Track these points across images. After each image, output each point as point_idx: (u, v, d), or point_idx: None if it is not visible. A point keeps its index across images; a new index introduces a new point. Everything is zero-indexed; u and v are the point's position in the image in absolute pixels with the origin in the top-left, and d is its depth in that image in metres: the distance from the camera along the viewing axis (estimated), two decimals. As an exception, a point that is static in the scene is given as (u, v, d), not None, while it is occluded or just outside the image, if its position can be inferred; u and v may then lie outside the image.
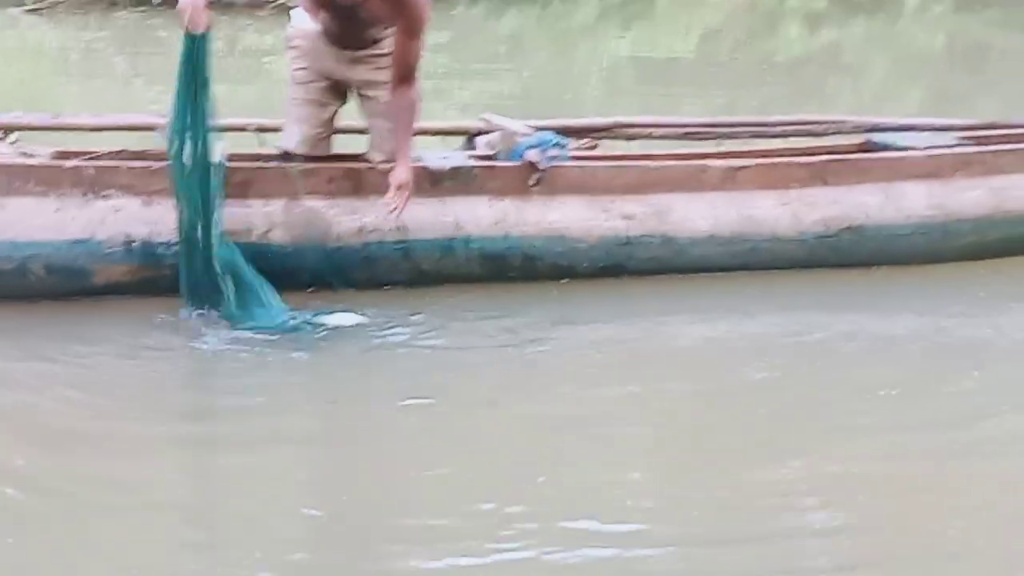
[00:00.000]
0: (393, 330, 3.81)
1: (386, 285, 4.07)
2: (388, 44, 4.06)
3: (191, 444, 3.22)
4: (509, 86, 9.17)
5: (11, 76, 9.54)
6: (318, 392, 3.55)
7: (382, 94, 4.11)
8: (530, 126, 4.50)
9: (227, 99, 8.11)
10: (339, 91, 4.21)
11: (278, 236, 3.94)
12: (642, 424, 3.37)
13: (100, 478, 2.90)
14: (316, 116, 4.21)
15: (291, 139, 4.22)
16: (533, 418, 3.34)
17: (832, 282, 4.47)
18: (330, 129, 4.24)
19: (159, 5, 12.53)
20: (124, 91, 8.99)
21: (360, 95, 4.20)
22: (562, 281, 4.23)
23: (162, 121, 4.64)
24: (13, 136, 4.36)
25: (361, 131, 4.33)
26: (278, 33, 11.93)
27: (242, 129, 4.81)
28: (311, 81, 4.18)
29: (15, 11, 11.98)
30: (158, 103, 7.72)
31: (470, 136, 4.87)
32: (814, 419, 3.43)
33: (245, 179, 3.97)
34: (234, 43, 11.56)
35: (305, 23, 4.15)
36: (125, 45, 10.97)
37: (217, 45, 11.74)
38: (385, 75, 4.03)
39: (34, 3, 12.01)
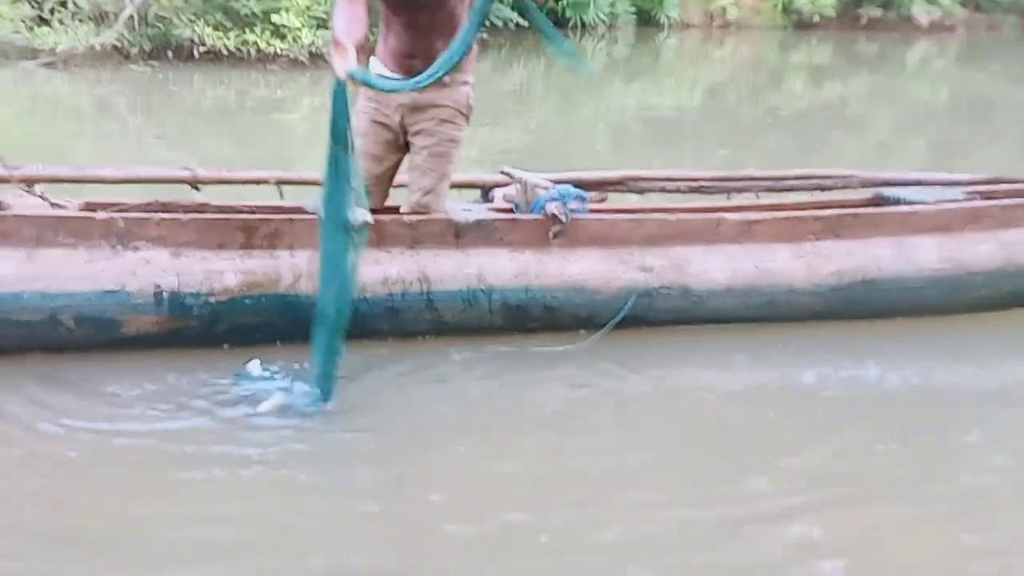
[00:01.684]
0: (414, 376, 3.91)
1: (410, 336, 4.13)
2: (448, 97, 4.19)
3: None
4: (517, 139, 9.27)
5: (26, 129, 9.64)
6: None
7: (428, 144, 4.22)
8: (547, 179, 4.58)
9: (237, 152, 8.29)
10: (397, 144, 4.30)
11: (305, 287, 3.99)
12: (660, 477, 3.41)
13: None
14: (367, 169, 4.29)
15: None
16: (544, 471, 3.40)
17: (845, 333, 4.53)
18: (382, 184, 4.35)
19: (172, 60, 12.69)
20: (137, 144, 9.09)
21: (407, 142, 4.29)
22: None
23: (183, 173, 4.76)
24: (39, 188, 4.41)
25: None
26: (289, 87, 12.18)
27: (264, 182, 4.92)
28: (369, 134, 4.28)
29: (29, 64, 12.08)
30: (173, 156, 7.89)
31: (486, 189, 4.96)
32: (830, 471, 3.47)
33: (273, 231, 4.03)
34: (244, 97, 11.69)
35: (377, 69, 4.26)
36: (138, 99, 11.08)
37: (229, 98, 11.86)
38: (435, 126, 4.15)
39: (48, 57, 12.12)
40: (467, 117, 4.30)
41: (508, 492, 3.23)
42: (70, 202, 4.25)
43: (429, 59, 3.92)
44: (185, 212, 4.10)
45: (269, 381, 3.75)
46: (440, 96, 4.18)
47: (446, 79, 3.96)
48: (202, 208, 4.26)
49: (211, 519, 3.01)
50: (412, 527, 3.12)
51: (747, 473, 3.37)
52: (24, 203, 4.18)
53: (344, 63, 3.63)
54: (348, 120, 3.55)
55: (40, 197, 4.21)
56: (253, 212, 4.21)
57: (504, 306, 4.19)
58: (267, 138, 9.53)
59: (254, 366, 3.81)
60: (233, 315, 3.94)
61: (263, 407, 3.59)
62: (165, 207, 4.17)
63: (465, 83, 4.27)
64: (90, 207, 4.22)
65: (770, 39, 19.40)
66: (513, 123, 10.05)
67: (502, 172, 4.71)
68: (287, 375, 3.78)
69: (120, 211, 4.06)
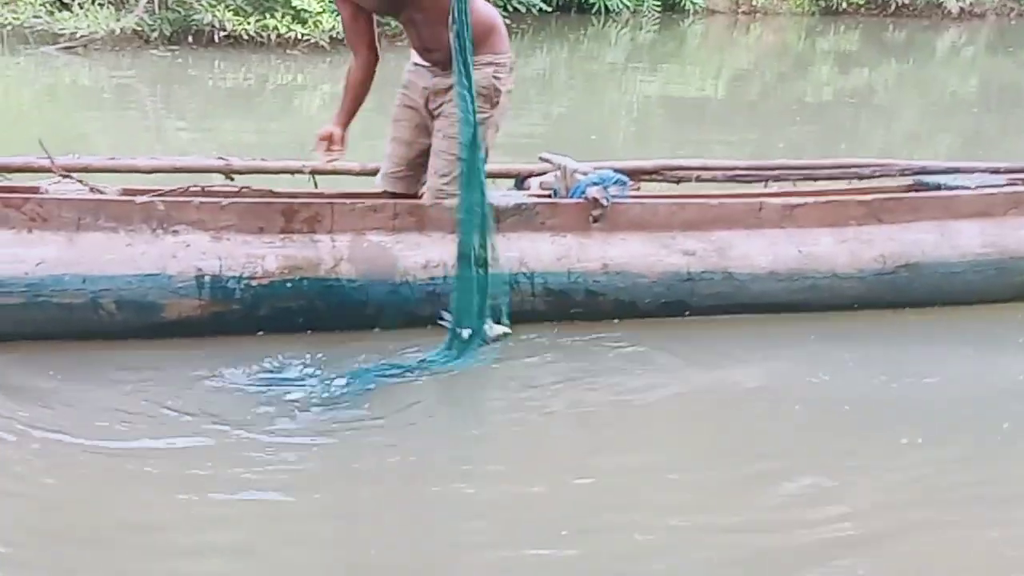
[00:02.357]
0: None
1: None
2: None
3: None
4: (540, 126, 9.21)
5: (46, 114, 9.63)
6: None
7: (443, 127, 4.17)
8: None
9: (257, 138, 8.26)
10: (426, 129, 4.27)
11: (345, 270, 3.96)
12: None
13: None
14: (399, 154, 4.33)
15: (379, 175, 4.40)
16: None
17: (889, 319, 4.49)
18: (415, 169, 4.32)
19: (192, 44, 12.66)
20: (157, 129, 9.07)
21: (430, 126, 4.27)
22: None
23: (217, 163, 4.73)
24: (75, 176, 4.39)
25: None
26: (309, 72, 12.13)
27: (299, 171, 4.88)
28: (401, 119, 4.30)
29: (50, 49, 12.07)
30: (193, 141, 7.86)
31: (521, 178, 4.91)
32: (876, 456, 3.44)
33: (314, 215, 4.01)
34: (264, 82, 11.66)
35: (415, 58, 4.27)
36: (158, 84, 11.05)
37: (249, 83, 11.81)
38: (452, 108, 4.05)
39: (68, 42, 12.11)
40: (490, 99, 4.18)
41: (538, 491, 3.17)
42: (108, 188, 4.23)
43: (445, 48, 3.90)
44: (224, 196, 4.07)
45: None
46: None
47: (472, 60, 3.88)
48: (241, 193, 4.24)
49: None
50: (440, 512, 3.07)
51: (783, 472, 3.32)
52: (63, 188, 4.16)
53: None
54: None
55: (79, 182, 4.18)
56: (294, 197, 4.18)
57: (546, 291, 4.16)
58: (287, 123, 9.51)
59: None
60: (274, 299, 3.91)
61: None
62: (204, 191, 4.14)
63: (490, 64, 4.17)
64: (128, 192, 4.20)
65: (796, 25, 19.26)
66: (535, 110, 9.99)
67: (541, 158, 4.68)
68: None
69: (157, 195, 4.05)
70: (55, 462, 3.16)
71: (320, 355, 3.81)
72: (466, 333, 3.84)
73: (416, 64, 4.30)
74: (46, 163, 4.38)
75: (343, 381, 3.66)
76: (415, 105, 4.27)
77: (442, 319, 3.89)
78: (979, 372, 4.15)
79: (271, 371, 3.72)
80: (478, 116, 4.04)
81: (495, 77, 4.19)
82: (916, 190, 5.05)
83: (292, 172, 4.90)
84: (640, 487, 3.19)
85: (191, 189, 4.18)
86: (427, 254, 4.06)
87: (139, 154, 5.08)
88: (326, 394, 3.59)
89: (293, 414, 3.46)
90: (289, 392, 3.59)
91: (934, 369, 4.13)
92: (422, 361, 3.81)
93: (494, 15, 4.29)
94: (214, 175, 4.72)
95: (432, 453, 3.35)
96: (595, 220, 4.25)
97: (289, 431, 3.36)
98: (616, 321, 4.24)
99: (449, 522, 3.01)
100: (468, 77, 3.79)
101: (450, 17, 3.79)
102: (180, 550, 2.80)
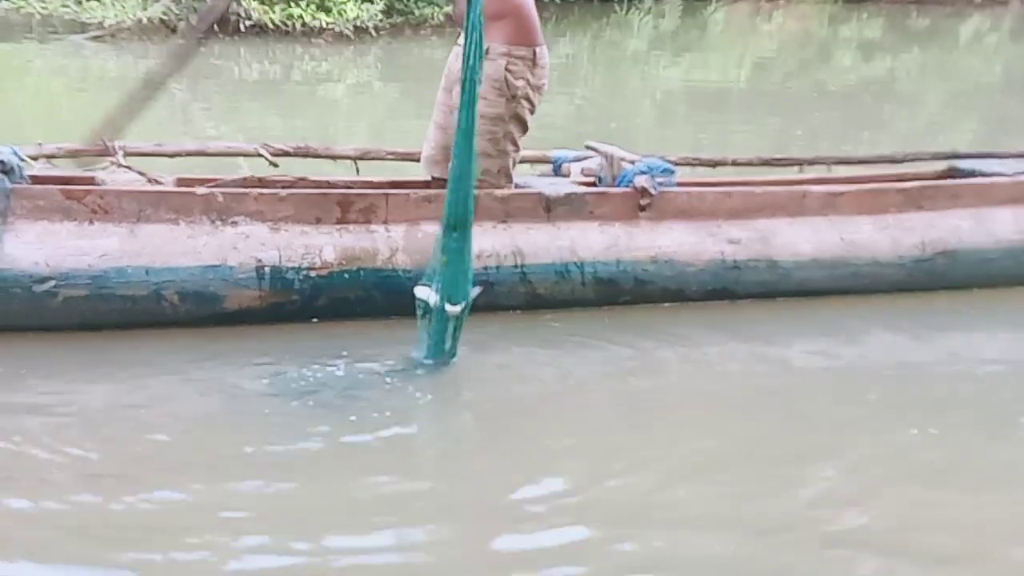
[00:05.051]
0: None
1: (503, 309, 4.17)
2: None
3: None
4: (562, 114, 9.26)
5: (75, 102, 9.72)
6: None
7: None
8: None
9: (283, 125, 8.32)
10: None
11: (401, 260, 4.05)
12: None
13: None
14: (436, 137, 4.37)
15: (421, 159, 4.47)
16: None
17: (927, 303, 4.57)
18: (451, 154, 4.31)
19: (217, 33, 12.73)
20: (183, 118, 9.15)
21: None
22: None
23: (261, 149, 4.83)
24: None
25: None
26: (333, 60, 12.22)
27: (345, 157, 4.99)
28: (440, 102, 4.33)
29: (78, 38, 12.19)
30: (218, 130, 7.94)
31: (557, 164, 4.99)
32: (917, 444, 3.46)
33: (369, 205, 4.09)
34: (290, 70, 11.74)
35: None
36: (184, 72, 11.12)
37: (274, 72, 11.87)
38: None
39: (96, 31, 12.21)
40: (503, 92, 4.16)
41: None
42: (165, 178, 4.31)
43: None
44: (283, 188, 4.15)
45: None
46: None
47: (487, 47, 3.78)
48: (298, 183, 4.32)
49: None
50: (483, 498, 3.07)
51: (819, 455, 3.35)
52: (121, 179, 4.24)
53: None
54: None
55: (139, 173, 4.25)
56: (349, 187, 4.26)
57: (596, 279, 4.24)
58: (312, 111, 9.58)
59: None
60: (333, 289, 3.99)
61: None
62: (261, 182, 4.22)
63: (504, 55, 4.13)
64: (184, 182, 4.28)
65: (819, 13, 19.26)
66: (559, 98, 10.04)
67: (587, 147, 4.75)
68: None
69: (216, 187, 4.11)
70: (108, 450, 3.19)
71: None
72: (457, 309, 3.68)
73: (456, 45, 4.31)
74: (96, 149, 4.47)
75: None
76: (448, 88, 4.30)
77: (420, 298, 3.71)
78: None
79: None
80: (488, 109, 4.05)
81: (507, 70, 4.14)
82: (950, 176, 5.12)
83: (335, 158, 5.02)
84: (676, 475, 3.19)
85: (248, 180, 4.25)
86: (479, 243, 4.09)
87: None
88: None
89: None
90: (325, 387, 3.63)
91: (977, 353, 4.22)
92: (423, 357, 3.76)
93: (519, 4, 4.16)
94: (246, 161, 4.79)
95: (461, 438, 3.46)
96: (643, 209, 4.32)
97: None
98: (666, 305, 4.33)
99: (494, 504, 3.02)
100: (475, 57, 3.57)
101: None
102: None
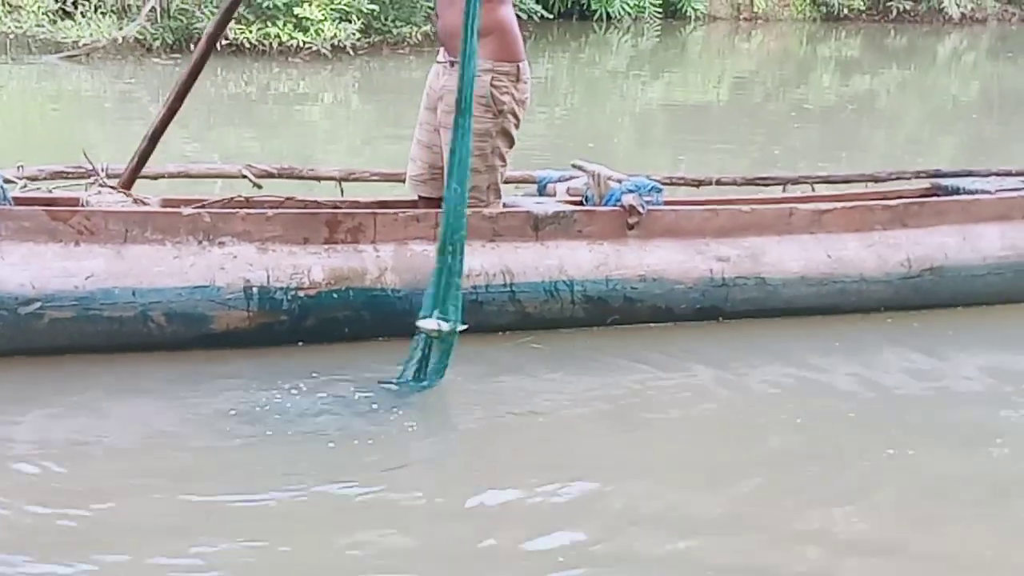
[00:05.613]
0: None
1: (492, 329, 4.14)
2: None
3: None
4: (541, 133, 9.23)
5: (49, 123, 9.67)
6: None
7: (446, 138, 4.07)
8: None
9: (260, 145, 8.30)
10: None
11: (390, 280, 4.03)
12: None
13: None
14: (420, 157, 4.38)
15: (406, 179, 4.46)
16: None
17: (913, 320, 4.59)
18: (439, 173, 4.25)
19: (193, 53, 12.69)
20: (161, 137, 9.07)
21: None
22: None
23: (244, 170, 4.81)
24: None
25: None
26: (311, 80, 12.19)
27: (329, 178, 4.97)
28: (422, 122, 4.35)
29: (53, 58, 12.12)
30: (195, 150, 7.90)
31: (542, 184, 4.98)
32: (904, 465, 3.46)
33: (357, 225, 4.07)
34: (266, 90, 11.70)
35: (440, 57, 4.31)
36: (160, 92, 11.09)
37: (251, 91, 11.83)
38: (448, 118, 3.95)
39: (71, 50, 12.15)
40: (490, 108, 4.16)
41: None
42: (151, 199, 4.28)
43: (455, 35, 3.83)
44: (271, 208, 4.13)
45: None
46: (455, 83, 3.81)
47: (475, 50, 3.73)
48: (285, 203, 4.30)
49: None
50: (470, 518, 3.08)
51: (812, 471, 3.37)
52: (107, 199, 4.20)
53: None
54: None
55: (124, 194, 4.22)
56: (337, 207, 4.24)
57: (585, 297, 4.23)
58: (289, 131, 9.55)
59: None
60: (321, 309, 3.97)
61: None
62: (248, 202, 4.20)
63: (488, 71, 4.11)
64: (169, 203, 4.25)
65: (798, 32, 19.36)
66: (538, 116, 10.05)
67: (574, 165, 4.76)
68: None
69: (201, 207, 4.09)
70: (93, 471, 3.21)
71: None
72: (447, 325, 3.66)
73: (436, 62, 4.35)
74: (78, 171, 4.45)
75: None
76: (431, 107, 4.32)
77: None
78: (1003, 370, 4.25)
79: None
80: (477, 125, 3.97)
81: (492, 86, 4.16)
82: (934, 193, 5.15)
83: (319, 179, 5.00)
84: (662, 490, 3.21)
85: (235, 200, 4.23)
86: (468, 263, 4.08)
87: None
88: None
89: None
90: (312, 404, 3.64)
91: (958, 370, 4.25)
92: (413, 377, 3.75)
93: (503, 21, 4.20)
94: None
95: (449, 462, 3.47)
96: (631, 227, 4.32)
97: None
98: (651, 326, 4.33)
99: (477, 523, 3.04)
100: (467, 69, 3.62)
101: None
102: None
